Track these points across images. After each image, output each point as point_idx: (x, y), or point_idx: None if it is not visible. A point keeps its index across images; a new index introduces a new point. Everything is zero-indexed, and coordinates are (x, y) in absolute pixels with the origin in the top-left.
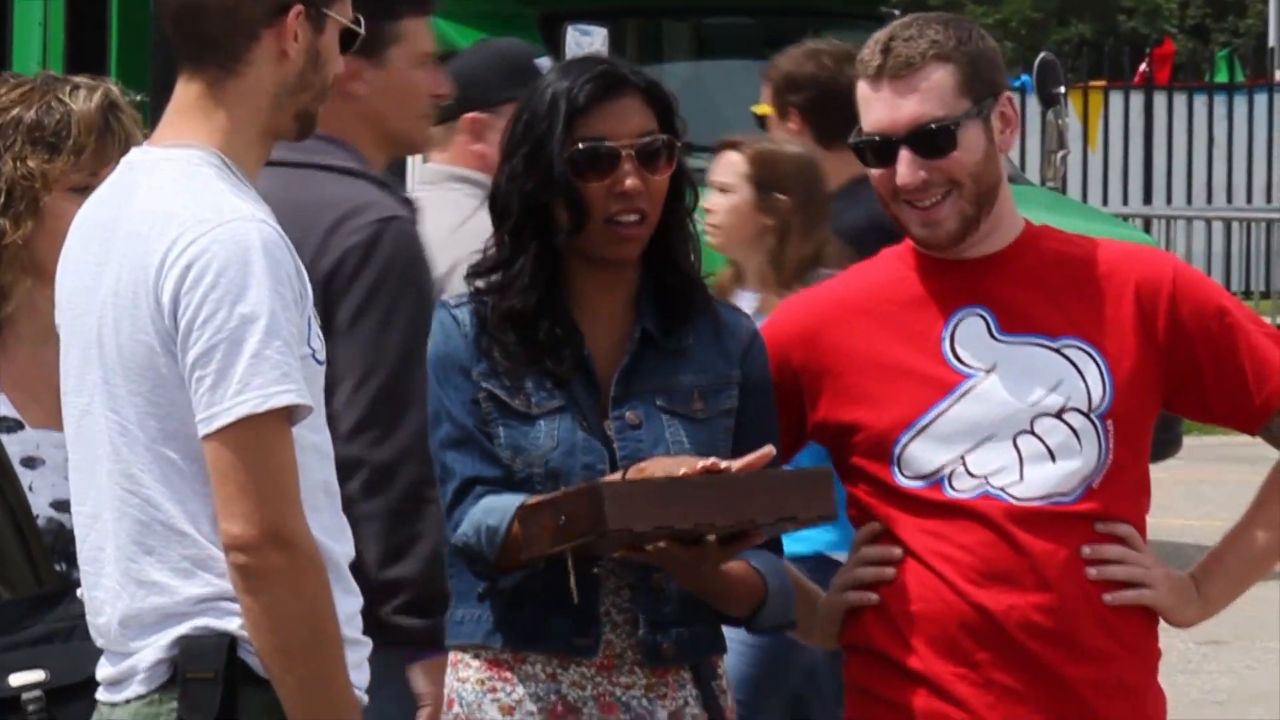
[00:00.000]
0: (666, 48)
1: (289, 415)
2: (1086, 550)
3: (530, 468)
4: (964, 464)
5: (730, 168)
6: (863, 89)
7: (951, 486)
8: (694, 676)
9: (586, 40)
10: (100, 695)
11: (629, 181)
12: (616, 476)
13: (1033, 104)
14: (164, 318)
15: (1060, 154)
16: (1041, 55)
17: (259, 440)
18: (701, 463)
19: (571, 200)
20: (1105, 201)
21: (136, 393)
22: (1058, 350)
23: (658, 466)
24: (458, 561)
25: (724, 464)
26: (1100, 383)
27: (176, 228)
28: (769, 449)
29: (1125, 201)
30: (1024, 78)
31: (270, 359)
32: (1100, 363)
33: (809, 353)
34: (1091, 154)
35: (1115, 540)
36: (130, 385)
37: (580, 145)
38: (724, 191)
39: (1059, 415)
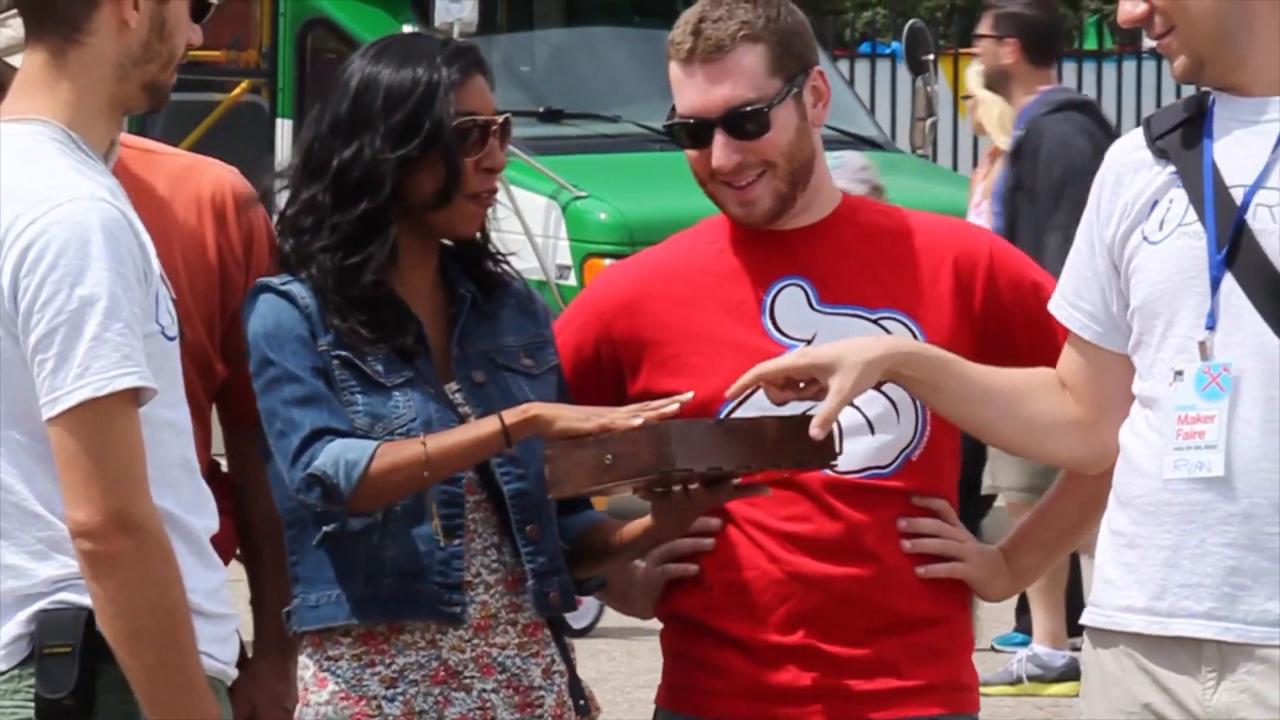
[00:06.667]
0: (536, 15)
1: (134, 398)
2: (902, 524)
3: (391, 434)
4: None
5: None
6: (674, 71)
7: None
8: (552, 633)
9: (456, 8)
10: None
11: (500, 157)
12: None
13: (903, 71)
14: (4, 300)
15: (929, 121)
16: (911, 22)
17: (102, 424)
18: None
19: (452, 171)
20: (975, 169)
21: None
22: (876, 322)
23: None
24: (296, 526)
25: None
26: None
27: (14, 208)
28: None
29: None
30: (894, 45)
31: (111, 341)
32: (918, 335)
33: (630, 322)
34: (962, 121)
35: (930, 514)
36: None
37: (462, 118)
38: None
39: (877, 387)
